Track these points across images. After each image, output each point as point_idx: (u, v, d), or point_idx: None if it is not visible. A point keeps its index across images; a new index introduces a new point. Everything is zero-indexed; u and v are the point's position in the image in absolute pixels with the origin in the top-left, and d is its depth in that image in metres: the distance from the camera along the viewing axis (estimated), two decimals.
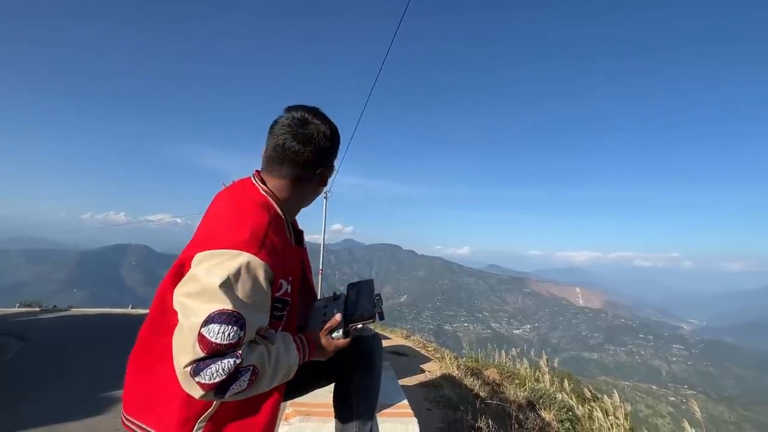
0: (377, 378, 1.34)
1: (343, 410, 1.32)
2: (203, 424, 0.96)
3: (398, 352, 5.47)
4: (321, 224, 14.34)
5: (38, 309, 15.92)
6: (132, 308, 15.85)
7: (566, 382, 5.22)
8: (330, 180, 1.24)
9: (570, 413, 4.02)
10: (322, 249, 14.97)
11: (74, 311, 15.28)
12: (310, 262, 1.35)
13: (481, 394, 3.66)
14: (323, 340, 1.12)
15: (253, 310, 0.90)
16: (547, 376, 4.95)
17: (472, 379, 3.98)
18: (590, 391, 5.35)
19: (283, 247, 1.02)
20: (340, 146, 1.16)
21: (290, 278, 1.03)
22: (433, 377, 4.02)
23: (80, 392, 4.14)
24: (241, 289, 0.87)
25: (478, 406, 3.14)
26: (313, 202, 1.23)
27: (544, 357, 5.23)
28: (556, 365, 5.58)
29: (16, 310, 15.31)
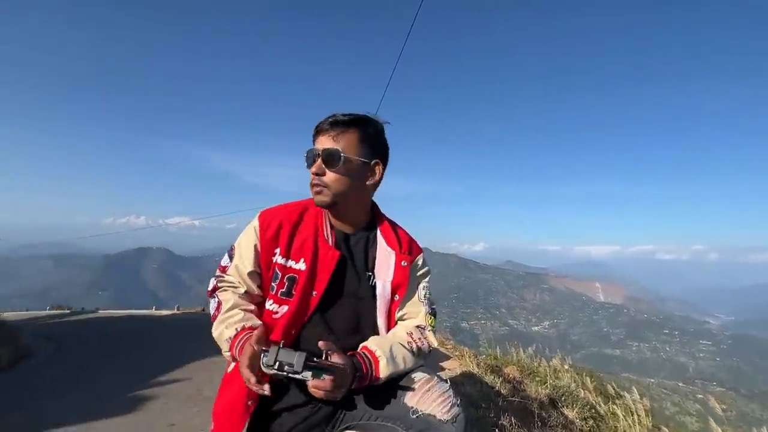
0: None
1: None
2: None
3: None
4: None
5: (68, 311, 16.59)
6: (155, 310, 16.37)
7: (588, 380, 5.14)
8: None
9: (593, 411, 3.96)
10: None
11: (101, 313, 15.84)
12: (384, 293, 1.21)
13: (503, 391, 3.64)
14: (246, 350, 0.99)
15: (241, 252, 1.18)
16: (567, 374, 4.88)
17: (492, 377, 3.96)
18: (614, 389, 5.26)
19: (298, 231, 1.18)
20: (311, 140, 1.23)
21: (302, 260, 1.14)
22: (453, 375, 4.02)
23: (112, 391, 4.31)
24: (243, 234, 1.20)
25: (500, 403, 3.13)
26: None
27: (560, 354, 5.15)
28: (576, 362, 5.50)
29: (48, 312, 15.96)
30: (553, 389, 4.16)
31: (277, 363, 0.89)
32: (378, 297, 1.18)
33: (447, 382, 1.14)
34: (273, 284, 1.13)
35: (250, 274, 1.15)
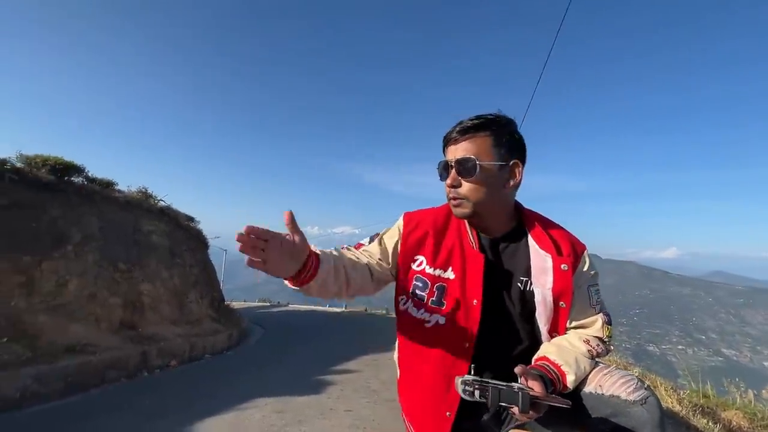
0: None
1: None
2: None
3: None
4: None
5: (268, 304, 21.01)
6: (328, 307, 19.21)
7: None
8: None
9: None
10: None
11: (291, 307, 19.53)
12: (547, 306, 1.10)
13: None
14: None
15: (382, 242, 1.18)
16: None
17: (705, 421, 3.09)
18: None
19: (444, 238, 1.15)
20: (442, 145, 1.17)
21: (450, 269, 1.11)
22: None
23: (303, 372, 5.21)
24: (388, 230, 1.21)
25: None
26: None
27: None
28: None
29: (257, 304, 20.52)
30: None
31: (500, 405, 0.86)
32: (538, 305, 1.08)
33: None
34: (420, 293, 1.12)
35: (378, 261, 1.15)
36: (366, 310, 17.96)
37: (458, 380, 0.91)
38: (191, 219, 9.54)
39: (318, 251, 0.98)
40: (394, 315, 1.24)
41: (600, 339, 1.09)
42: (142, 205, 7.71)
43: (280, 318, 13.65)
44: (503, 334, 1.12)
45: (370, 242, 1.19)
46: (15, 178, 5.35)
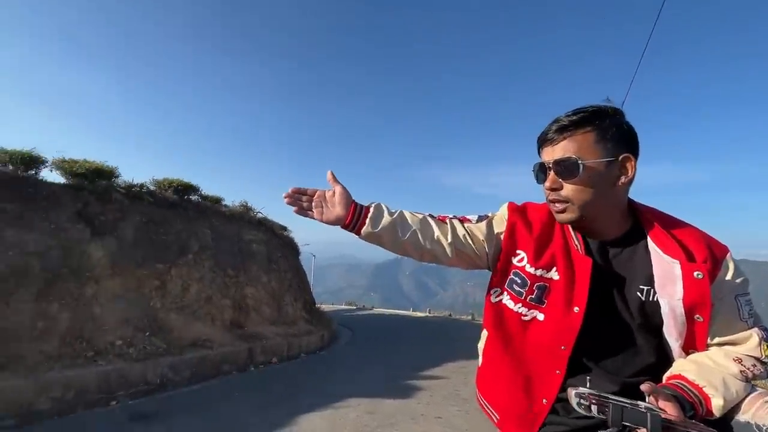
0: None
1: None
2: None
3: None
4: None
5: (355, 307, 21.90)
6: (412, 311, 19.28)
7: None
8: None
9: None
10: None
11: (375, 311, 20.08)
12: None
13: None
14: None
15: (489, 224, 1.12)
16: None
17: None
18: None
19: (549, 237, 1.06)
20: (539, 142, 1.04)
21: (554, 269, 1.03)
22: None
23: (391, 375, 5.31)
24: (496, 217, 1.14)
25: None
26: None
27: None
28: None
29: (343, 306, 21.51)
30: None
31: (623, 426, 0.76)
32: (665, 317, 0.93)
33: None
34: (518, 288, 1.06)
35: (478, 242, 1.10)
36: (450, 315, 17.65)
37: (572, 392, 0.83)
38: (284, 228, 10.42)
39: (373, 204, 1.12)
40: (479, 321, 1.21)
41: (757, 359, 0.91)
42: (244, 217, 8.66)
43: (365, 321, 14.13)
44: (615, 345, 1.00)
45: (477, 220, 1.14)
46: (150, 199, 6.43)
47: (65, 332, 4.60)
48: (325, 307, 15.49)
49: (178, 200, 6.99)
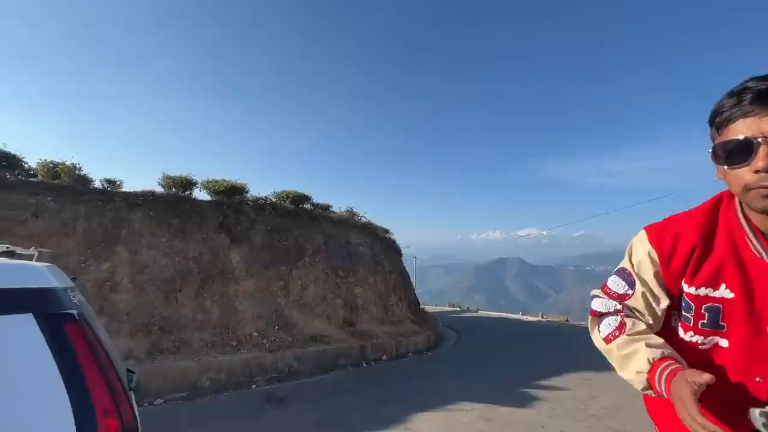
0: None
1: None
2: None
3: None
4: None
5: (459, 308, 21.49)
6: (522, 315, 18.03)
7: None
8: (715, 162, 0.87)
9: None
10: None
11: (481, 313, 19.39)
12: None
13: None
14: (677, 381, 0.82)
15: (644, 280, 0.98)
16: None
17: None
18: None
19: (707, 250, 0.90)
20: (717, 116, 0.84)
21: (723, 285, 0.87)
22: None
23: (505, 382, 5.03)
24: (635, 257, 1.00)
25: None
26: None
27: None
28: None
29: (447, 308, 21.28)
30: None
31: None
32: None
33: None
34: (686, 314, 0.93)
35: (660, 304, 0.97)
36: (567, 320, 16.03)
37: (755, 411, 0.75)
38: (387, 231, 10.80)
39: (667, 352, 0.93)
40: None
41: None
42: (350, 222, 9.24)
43: (472, 323, 13.74)
44: None
45: (629, 287, 1.01)
46: (272, 210, 7.33)
47: (216, 324, 5.52)
48: (428, 308, 15.54)
49: (295, 209, 7.82)
